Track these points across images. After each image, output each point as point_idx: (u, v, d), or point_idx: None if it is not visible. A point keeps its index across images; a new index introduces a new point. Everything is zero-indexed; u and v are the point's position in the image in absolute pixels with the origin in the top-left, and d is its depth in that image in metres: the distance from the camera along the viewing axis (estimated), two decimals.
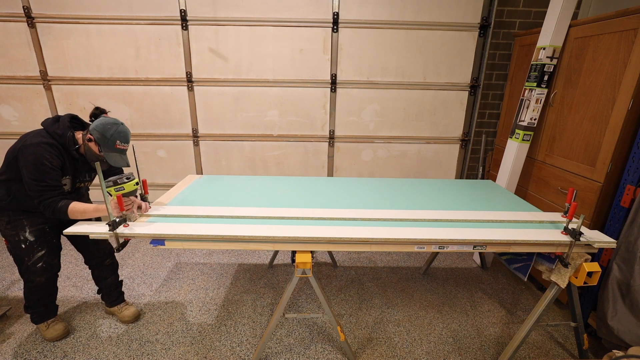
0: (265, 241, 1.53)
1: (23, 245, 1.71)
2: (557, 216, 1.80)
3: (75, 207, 1.58)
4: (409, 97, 3.02)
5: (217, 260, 2.80)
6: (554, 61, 2.28)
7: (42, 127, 1.65)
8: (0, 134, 2.98)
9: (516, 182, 2.59)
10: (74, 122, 1.71)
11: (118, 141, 1.61)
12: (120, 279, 2.11)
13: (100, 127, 1.59)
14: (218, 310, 2.20)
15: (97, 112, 1.68)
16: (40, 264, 1.74)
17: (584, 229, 1.59)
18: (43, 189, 1.55)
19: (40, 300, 1.86)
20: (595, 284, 1.57)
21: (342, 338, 1.74)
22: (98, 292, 2.10)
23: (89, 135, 1.61)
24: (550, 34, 2.21)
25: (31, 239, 1.71)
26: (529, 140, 2.46)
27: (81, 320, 2.08)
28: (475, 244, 1.55)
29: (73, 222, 1.63)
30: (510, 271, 2.72)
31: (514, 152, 2.50)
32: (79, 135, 1.67)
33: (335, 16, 2.77)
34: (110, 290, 2.06)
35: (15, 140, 1.63)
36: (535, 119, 2.41)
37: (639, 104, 1.77)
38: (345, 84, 2.97)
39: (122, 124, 1.65)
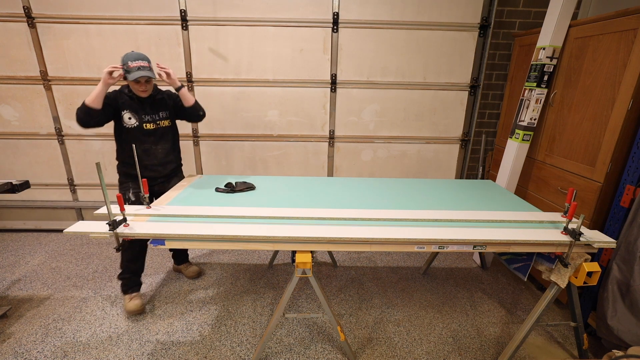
0: (265, 241, 1.54)
1: (127, 204, 2.00)
2: (557, 216, 1.80)
3: (88, 97, 1.86)
4: (408, 97, 3.02)
5: (217, 260, 2.81)
6: (554, 61, 2.28)
7: None
8: (0, 134, 2.98)
9: (516, 182, 2.59)
10: None
11: (129, 62, 1.88)
12: None
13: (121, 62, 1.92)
14: (218, 310, 2.20)
15: None
16: None
17: (583, 229, 1.59)
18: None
19: (129, 264, 2.15)
20: (595, 284, 1.57)
21: (342, 338, 1.74)
22: (170, 249, 2.57)
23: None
24: (550, 34, 2.21)
25: (132, 198, 2.10)
26: (528, 140, 2.46)
27: (81, 320, 2.08)
28: (475, 244, 1.55)
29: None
30: (510, 271, 2.72)
31: (513, 152, 2.50)
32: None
33: (335, 16, 2.77)
34: (180, 252, 2.57)
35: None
36: (535, 119, 2.41)
37: (639, 104, 1.77)
38: (345, 84, 2.97)
39: (132, 51, 1.96)
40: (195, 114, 2.21)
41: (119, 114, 2.01)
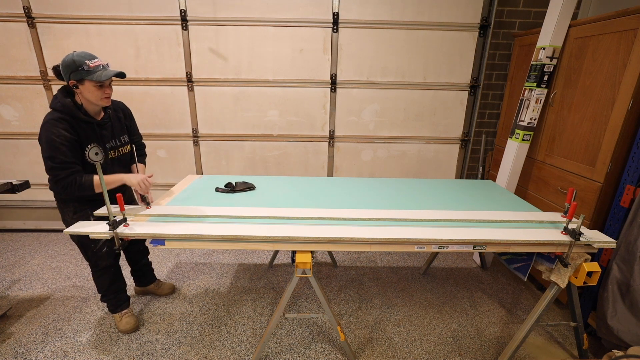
0: (265, 241, 1.54)
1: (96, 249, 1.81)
2: (557, 216, 1.80)
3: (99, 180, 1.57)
4: (409, 97, 3.02)
5: (217, 260, 2.81)
6: (554, 61, 2.28)
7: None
8: (0, 134, 2.98)
9: (516, 182, 2.59)
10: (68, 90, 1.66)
11: (86, 61, 1.53)
12: (150, 261, 2.30)
13: (64, 68, 1.54)
14: (218, 310, 2.20)
15: (56, 66, 1.60)
16: (104, 249, 1.84)
17: (583, 229, 1.59)
18: (56, 165, 1.55)
19: (111, 286, 1.96)
20: (595, 284, 1.57)
21: (342, 338, 1.74)
22: (132, 273, 2.26)
23: (71, 82, 1.56)
24: (550, 34, 2.21)
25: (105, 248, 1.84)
26: (528, 140, 2.46)
27: (81, 320, 2.08)
28: (475, 244, 1.55)
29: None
30: (510, 271, 2.72)
31: (513, 152, 2.50)
32: (76, 98, 1.63)
33: (335, 16, 2.77)
34: (145, 271, 2.27)
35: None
36: (535, 119, 2.41)
37: (639, 104, 1.77)
38: (345, 84, 2.97)
39: (74, 52, 1.57)
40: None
41: (82, 151, 1.61)
